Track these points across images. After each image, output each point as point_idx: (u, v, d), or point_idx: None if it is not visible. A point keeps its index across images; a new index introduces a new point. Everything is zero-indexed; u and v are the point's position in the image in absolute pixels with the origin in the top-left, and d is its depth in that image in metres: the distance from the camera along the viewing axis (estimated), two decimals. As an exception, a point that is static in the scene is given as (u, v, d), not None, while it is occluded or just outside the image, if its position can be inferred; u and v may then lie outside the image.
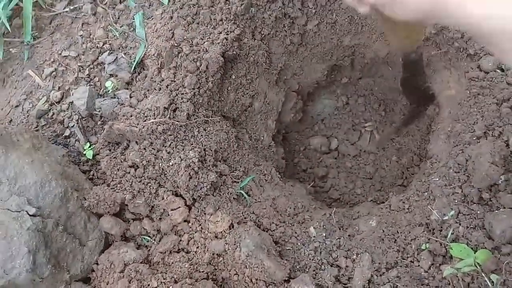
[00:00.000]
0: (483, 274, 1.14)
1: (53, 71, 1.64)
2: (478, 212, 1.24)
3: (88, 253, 1.29)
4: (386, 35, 1.26)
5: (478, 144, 1.31)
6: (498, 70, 1.40)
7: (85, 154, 1.49)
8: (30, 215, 1.15)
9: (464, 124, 1.41)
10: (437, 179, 1.38)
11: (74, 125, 1.54)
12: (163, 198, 1.38)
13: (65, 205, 1.25)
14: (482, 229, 1.21)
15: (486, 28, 0.73)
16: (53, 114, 1.58)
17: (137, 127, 1.38)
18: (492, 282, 1.13)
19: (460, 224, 1.24)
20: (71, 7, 1.77)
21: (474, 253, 1.17)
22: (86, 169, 1.48)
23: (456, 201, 1.28)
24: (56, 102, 1.59)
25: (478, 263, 1.15)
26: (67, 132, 1.55)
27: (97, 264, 1.31)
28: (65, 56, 1.66)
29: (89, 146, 1.49)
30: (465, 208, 1.26)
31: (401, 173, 1.90)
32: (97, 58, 1.63)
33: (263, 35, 1.63)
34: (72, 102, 1.57)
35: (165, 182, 1.38)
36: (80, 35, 1.69)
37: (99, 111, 1.55)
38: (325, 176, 2.00)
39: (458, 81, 1.53)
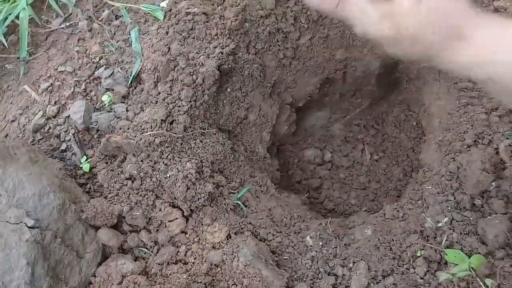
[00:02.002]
0: (478, 279, 1.16)
1: (49, 86, 1.66)
2: (471, 218, 1.26)
3: (85, 265, 1.29)
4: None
5: (469, 152, 1.34)
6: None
7: (81, 168, 1.49)
8: (28, 227, 1.15)
9: (454, 133, 1.45)
10: (430, 187, 1.41)
11: (70, 138, 1.55)
12: (160, 210, 1.38)
13: (63, 217, 1.25)
14: (475, 235, 1.23)
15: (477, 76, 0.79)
16: (49, 128, 1.59)
17: (134, 140, 1.39)
18: (487, 286, 1.15)
19: (454, 231, 1.26)
20: (67, 24, 1.79)
21: (469, 258, 1.19)
22: (82, 182, 1.49)
23: (449, 208, 1.31)
24: (53, 117, 1.60)
25: (472, 268, 1.17)
26: (63, 146, 1.56)
27: (95, 276, 1.30)
28: (61, 71, 1.68)
29: (86, 160, 1.50)
30: (458, 215, 1.28)
31: (394, 183, 1.93)
32: (94, 73, 1.65)
33: (257, 49, 1.66)
34: (68, 116, 1.58)
35: (162, 193, 1.39)
36: (76, 51, 1.71)
37: (96, 125, 1.56)
38: (319, 187, 2.02)
39: (447, 92, 1.57)
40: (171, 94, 1.46)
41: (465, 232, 1.25)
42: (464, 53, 0.76)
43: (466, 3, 0.78)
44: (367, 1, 0.80)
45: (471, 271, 1.17)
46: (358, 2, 0.81)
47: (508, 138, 1.28)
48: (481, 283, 1.16)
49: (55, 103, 1.62)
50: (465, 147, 1.37)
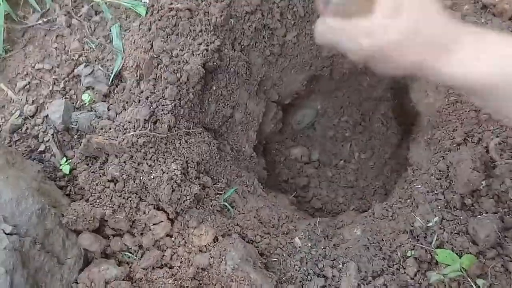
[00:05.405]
0: (469, 279, 1.15)
1: (26, 85, 1.59)
2: (461, 217, 1.25)
3: (67, 272, 1.24)
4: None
5: (458, 151, 1.33)
6: (475, 78, 1.43)
7: (61, 169, 1.44)
8: (6, 234, 1.09)
9: (443, 131, 1.43)
10: (419, 186, 1.39)
11: (49, 139, 1.49)
12: (144, 213, 1.34)
13: (43, 223, 1.20)
14: (466, 235, 1.22)
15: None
16: (27, 128, 1.52)
17: (116, 140, 1.34)
18: (478, 286, 1.14)
19: (444, 230, 1.25)
20: (45, 20, 1.72)
21: (460, 258, 1.18)
22: (62, 184, 1.43)
23: (439, 207, 1.29)
24: (30, 116, 1.54)
25: (463, 268, 1.16)
26: (42, 147, 1.50)
27: (77, 283, 1.25)
28: (38, 69, 1.61)
29: (66, 161, 1.45)
30: (448, 214, 1.27)
31: (382, 181, 1.92)
32: (73, 71, 1.59)
33: (243, 46, 1.63)
34: (47, 116, 1.52)
35: (146, 196, 1.35)
36: (55, 48, 1.64)
37: (76, 125, 1.50)
38: (306, 186, 2.00)
39: (436, 90, 1.56)
40: (154, 93, 1.41)
41: (455, 232, 1.24)
42: (447, 66, 0.75)
43: (445, 15, 0.76)
44: (340, 21, 0.74)
45: (462, 272, 1.16)
46: (331, 25, 0.76)
47: (498, 136, 1.27)
48: (472, 284, 1.15)
49: (32, 102, 1.56)
50: (454, 145, 1.36)
